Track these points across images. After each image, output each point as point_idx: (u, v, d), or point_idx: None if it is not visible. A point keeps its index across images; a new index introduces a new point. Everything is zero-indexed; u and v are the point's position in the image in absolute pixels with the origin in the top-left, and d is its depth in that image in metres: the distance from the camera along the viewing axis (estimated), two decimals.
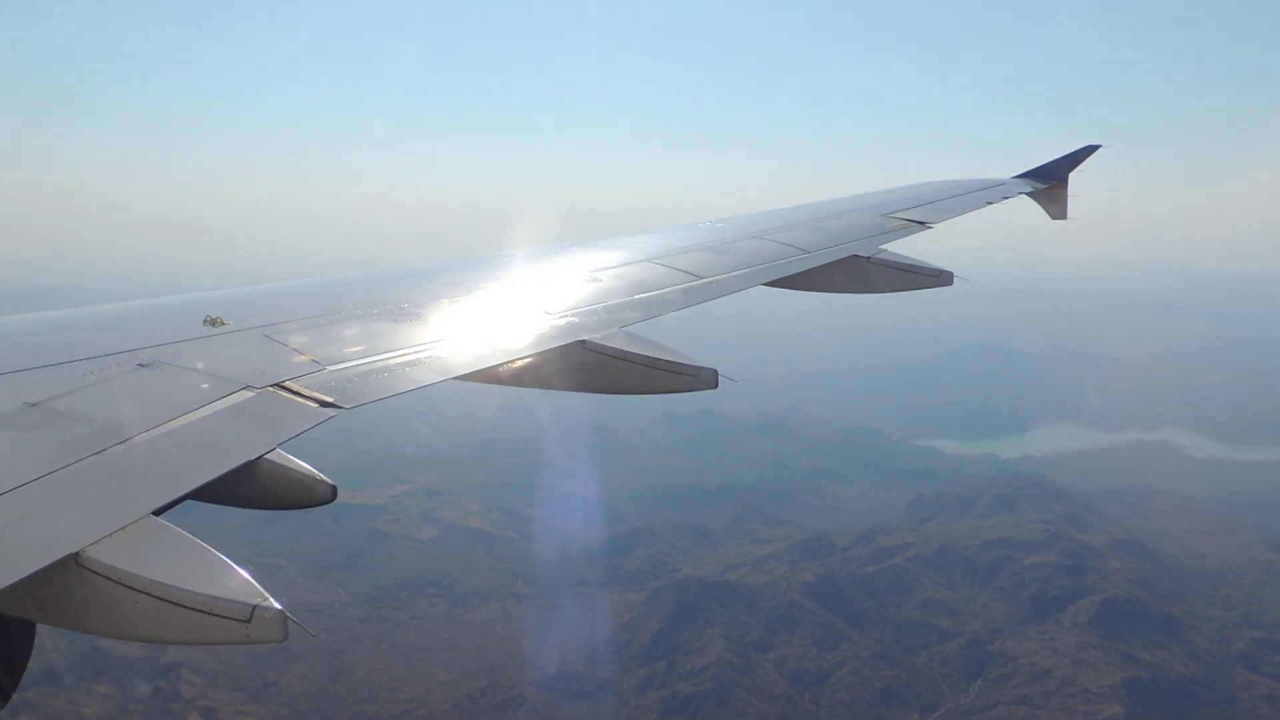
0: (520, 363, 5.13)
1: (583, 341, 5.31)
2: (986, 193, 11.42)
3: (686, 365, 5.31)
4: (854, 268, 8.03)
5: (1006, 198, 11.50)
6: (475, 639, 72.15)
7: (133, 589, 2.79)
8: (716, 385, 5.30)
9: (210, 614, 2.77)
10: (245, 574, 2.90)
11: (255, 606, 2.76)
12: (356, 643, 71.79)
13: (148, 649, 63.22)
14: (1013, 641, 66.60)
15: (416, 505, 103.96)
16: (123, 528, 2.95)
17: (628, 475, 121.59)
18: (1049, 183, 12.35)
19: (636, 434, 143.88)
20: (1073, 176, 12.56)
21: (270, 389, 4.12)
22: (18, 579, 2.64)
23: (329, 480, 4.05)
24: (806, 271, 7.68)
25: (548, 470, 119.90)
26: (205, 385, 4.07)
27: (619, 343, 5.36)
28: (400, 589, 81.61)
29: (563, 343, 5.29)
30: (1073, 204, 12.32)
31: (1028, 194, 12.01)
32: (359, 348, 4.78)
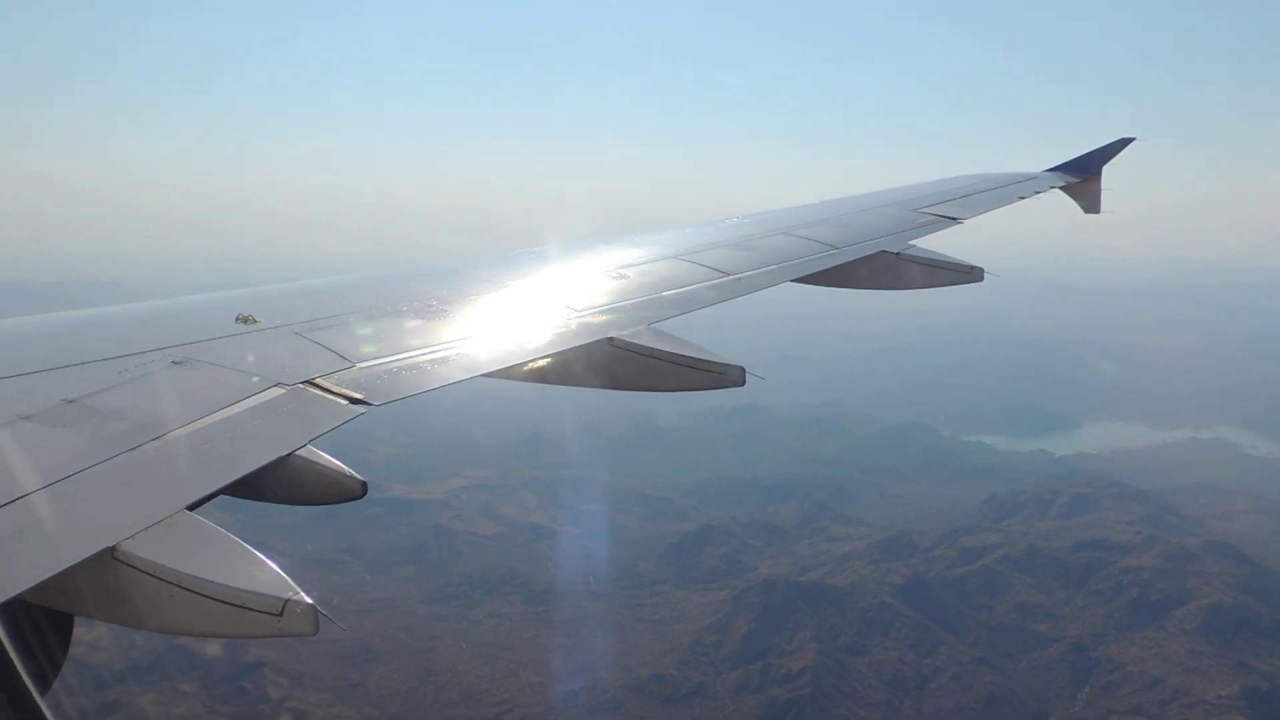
0: (547, 360, 5.11)
1: (610, 338, 5.30)
2: (1018, 186, 11.16)
3: (714, 363, 5.28)
4: (883, 264, 7.94)
5: (1039, 192, 11.24)
6: (558, 639, 70.56)
7: (168, 582, 2.81)
8: (744, 383, 5.28)
9: (243, 607, 2.78)
10: (277, 568, 2.91)
11: (287, 600, 2.77)
12: (437, 642, 70.39)
13: (228, 648, 61.94)
14: (1118, 648, 64.71)
15: (474, 500, 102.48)
16: (158, 522, 2.97)
17: (680, 470, 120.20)
18: (1081, 176, 12.10)
19: (682, 428, 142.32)
20: (1106, 169, 12.22)
21: (301, 386, 4.16)
22: (56, 572, 2.66)
23: (359, 476, 4.01)
24: (835, 267, 7.59)
25: (598, 464, 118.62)
26: (237, 382, 4.10)
27: (646, 340, 5.34)
28: (473, 587, 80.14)
29: (590, 340, 5.28)
30: (1106, 198, 12.11)
31: (1060, 188, 11.76)
32: (388, 345, 4.80)
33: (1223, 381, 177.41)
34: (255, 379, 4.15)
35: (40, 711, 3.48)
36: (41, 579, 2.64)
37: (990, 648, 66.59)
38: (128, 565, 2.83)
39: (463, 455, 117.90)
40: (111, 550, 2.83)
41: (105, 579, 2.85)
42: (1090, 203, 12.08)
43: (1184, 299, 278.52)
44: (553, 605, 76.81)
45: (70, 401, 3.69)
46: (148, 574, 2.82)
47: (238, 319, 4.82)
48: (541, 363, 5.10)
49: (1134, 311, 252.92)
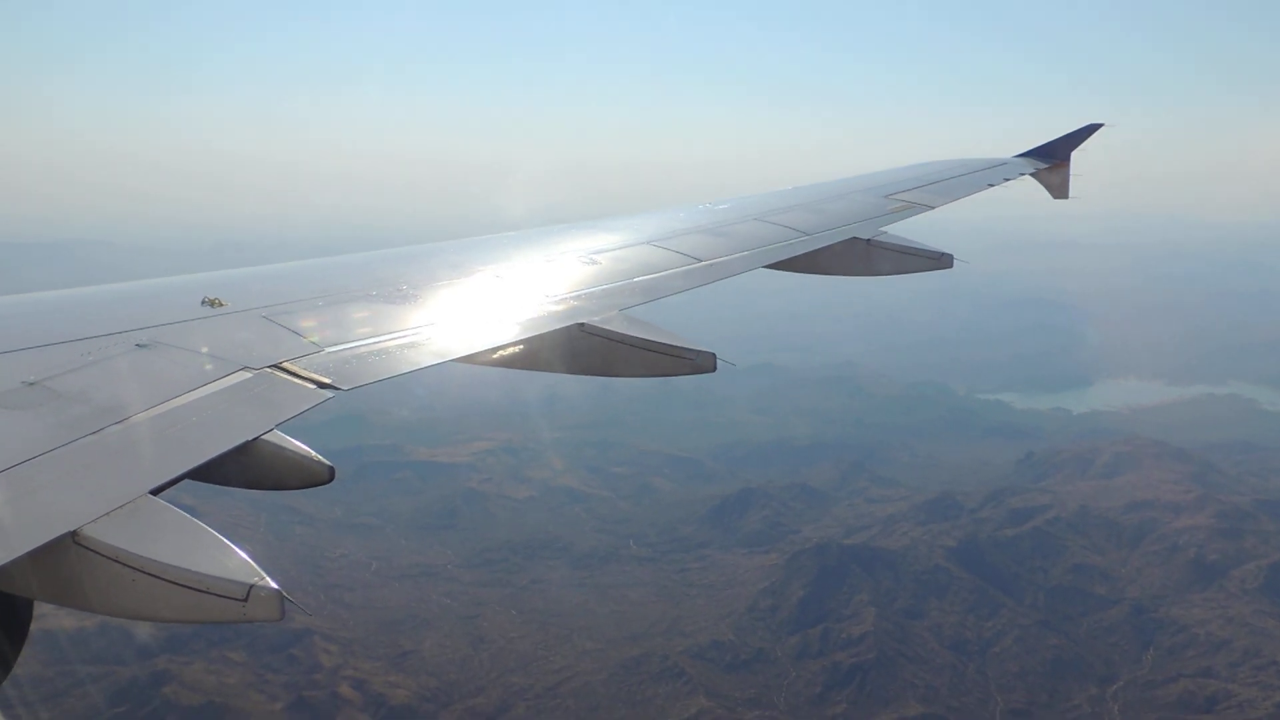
0: (519, 345, 5.08)
1: (581, 324, 5.27)
2: (988, 173, 11.39)
3: (684, 349, 5.29)
4: (854, 250, 8.07)
5: (1008, 179, 11.47)
6: (608, 604, 69.38)
7: (130, 567, 2.78)
8: (715, 369, 5.34)
9: (207, 592, 2.76)
10: (243, 553, 2.86)
11: (252, 585, 2.75)
12: (484, 608, 68.94)
13: None
14: (1179, 609, 64.01)
15: (501, 463, 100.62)
16: (120, 507, 2.94)
17: (704, 431, 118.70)
18: (1051, 162, 12.28)
19: (697, 386, 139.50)
20: (1075, 155, 12.39)
21: (268, 370, 4.09)
22: (16, 556, 2.63)
23: (326, 461, 3.91)
24: (807, 254, 7.71)
25: (619, 425, 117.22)
26: (203, 366, 4.03)
27: (618, 325, 5.33)
28: (512, 551, 78.64)
29: (561, 325, 5.25)
30: (1074, 183, 12.25)
31: (1030, 174, 12.00)
32: (357, 329, 4.75)
33: (1233, 337, 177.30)
34: (221, 362, 4.07)
35: None
36: (1, 564, 2.56)
37: (1050, 610, 65.75)
38: (89, 550, 2.77)
39: (481, 417, 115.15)
40: (73, 535, 2.77)
41: (66, 564, 2.79)
42: (1059, 188, 12.14)
43: (1192, 257, 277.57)
44: (597, 570, 75.50)
45: (31, 384, 3.61)
46: (110, 559, 2.76)
47: (204, 302, 4.74)
48: (512, 348, 5.06)
49: (1140, 269, 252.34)
